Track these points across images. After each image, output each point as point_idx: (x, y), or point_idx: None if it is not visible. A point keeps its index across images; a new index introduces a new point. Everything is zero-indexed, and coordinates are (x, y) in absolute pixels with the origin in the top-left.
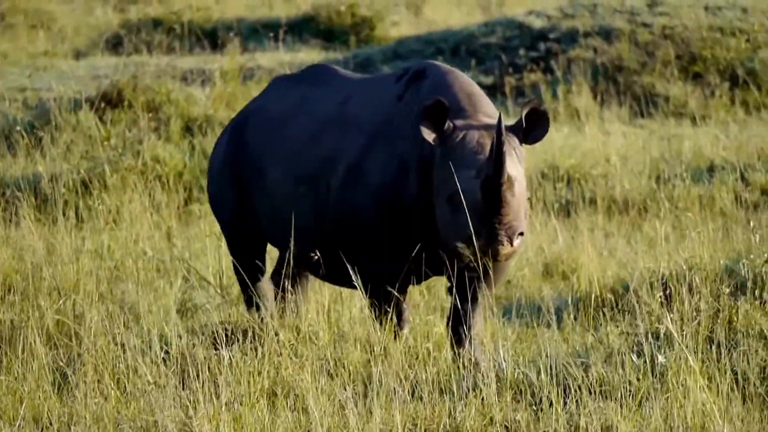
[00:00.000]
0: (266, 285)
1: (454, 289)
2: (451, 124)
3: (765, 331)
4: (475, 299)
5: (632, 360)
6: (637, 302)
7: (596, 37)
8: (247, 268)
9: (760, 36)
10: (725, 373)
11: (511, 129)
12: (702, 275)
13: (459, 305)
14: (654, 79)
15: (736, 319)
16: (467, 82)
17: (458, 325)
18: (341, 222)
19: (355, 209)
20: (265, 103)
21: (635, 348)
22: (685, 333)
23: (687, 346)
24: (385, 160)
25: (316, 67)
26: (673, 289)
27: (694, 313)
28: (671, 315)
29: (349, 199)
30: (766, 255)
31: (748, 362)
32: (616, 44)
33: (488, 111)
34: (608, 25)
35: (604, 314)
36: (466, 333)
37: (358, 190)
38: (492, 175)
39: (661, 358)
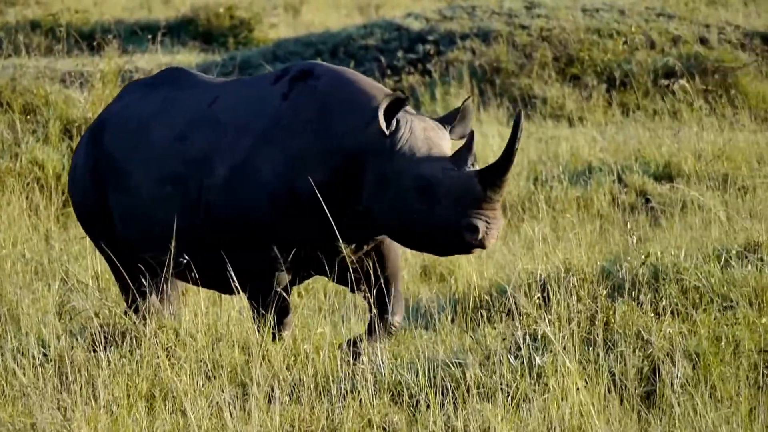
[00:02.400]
0: (150, 290)
1: (368, 289)
2: (396, 118)
3: (642, 332)
4: (392, 288)
5: (510, 362)
6: (515, 304)
7: (474, 39)
8: (127, 276)
9: (637, 38)
10: (602, 374)
11: (444, 119)
12: (579, 277)
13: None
14: (532, 81)
15: (613, 320)
16: (363, 77)
17: (382, 315)
18: (226, 222)
19: (245, 209)
20: (123, 108)
21: (513, 350)
22: (562, 335)
23: (564, 348)
24: (276, 158)
25: (172, 70)
26: (550, 290)
27: (572, 315)
28: (549, 317)
29: (237, 198)
30: (642, 257)
31: (625, 363)
32: (494, 46)
33: None
34: (486, 27)
35: (481, 316)
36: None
37: (248, 190)
38: (503, 169)
39: (538, 360)
